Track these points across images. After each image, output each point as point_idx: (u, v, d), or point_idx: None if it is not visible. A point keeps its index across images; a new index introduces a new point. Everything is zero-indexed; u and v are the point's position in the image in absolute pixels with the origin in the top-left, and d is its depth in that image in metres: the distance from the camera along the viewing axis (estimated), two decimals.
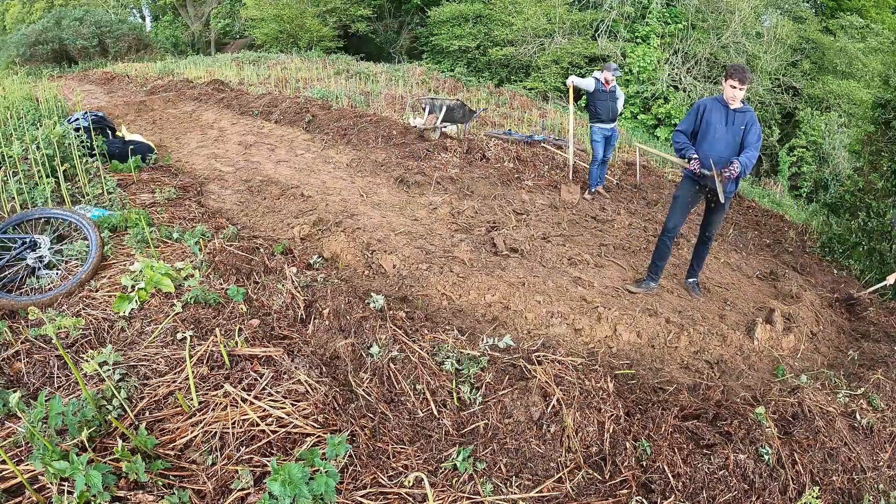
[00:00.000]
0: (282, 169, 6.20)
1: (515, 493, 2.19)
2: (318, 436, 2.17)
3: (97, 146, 5.21)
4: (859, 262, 6.52)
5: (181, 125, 8.25)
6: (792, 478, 2.55)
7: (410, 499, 2.03)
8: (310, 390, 2.39)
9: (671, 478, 2.32)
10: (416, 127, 8.06)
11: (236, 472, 1.94)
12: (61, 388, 2.30)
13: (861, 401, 3.23)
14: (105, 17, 21.71)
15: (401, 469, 2.16)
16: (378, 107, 10.26)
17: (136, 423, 2.12)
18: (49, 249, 3.19)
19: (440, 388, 2.60)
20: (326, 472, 1.80)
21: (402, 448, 2.28)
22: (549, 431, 2.43)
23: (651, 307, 4.07)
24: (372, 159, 6.96)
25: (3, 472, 1.84)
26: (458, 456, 2.26)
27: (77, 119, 5.85)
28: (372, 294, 3.28)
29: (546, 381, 2.57)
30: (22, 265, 3.12)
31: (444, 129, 8.11)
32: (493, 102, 14.09)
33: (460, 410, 2.54)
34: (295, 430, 2.18)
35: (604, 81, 6.67)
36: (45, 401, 2.04)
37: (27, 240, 3.16)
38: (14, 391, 2.16)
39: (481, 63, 18.43)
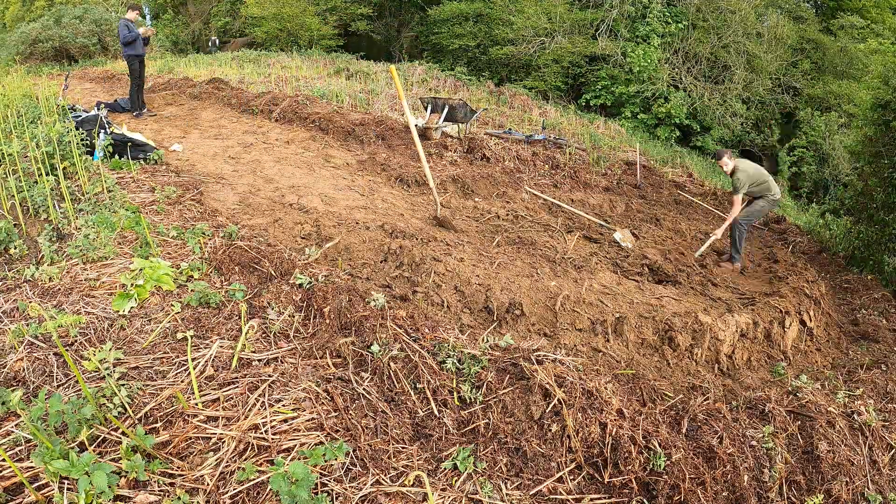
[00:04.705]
0: (282, 167, 6.19)
1: (515, 493, 2.19)
2: (320, 437, 2.16)
3: (102, 145, 5.20)
4: (857, 266, 6.52)
5: (181, 123, 8.23)
6: (792, 479, 2.55)
7: (411, 498, 2.03)
8: (311, 391, 2.38)
9: (671, 478, 2.31)
10: (417, 126, 8.06)
11: (239, 471, 1.93)
12: (61, 387, 2.30)
13: (860, 401, 3.22)
14: (105, 15, 21.65)
15: (401, 469, 2.16)
16: (379, 106, 10.25)
17: (136, 421, 2.12)
18: None
19: (441, 387, 2.59)
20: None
21: (402, 447, 2.27)
22: (549, 431, 2.42)
23: (652, 308, 4.07)
24: (372, 158, 6.95)
25: (4, 472, 1.84)
26: (458, 455, 2.26)
27: (74, 108, 5.90)
28: (372, 292, 3.27)
29: (547, 381, 2.57)
30: None
31: (444, 129, 8.10)
32: (493, 102, 14.08)
33: (461, 409, 2.54)
34: (297, 431, 2.18)
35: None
36: (46, 399, 2.03)
37: None
38: (14, 390, 2.16)
39: (482, 62, 18.43)
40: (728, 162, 5.69)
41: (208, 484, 1.88)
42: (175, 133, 7.51)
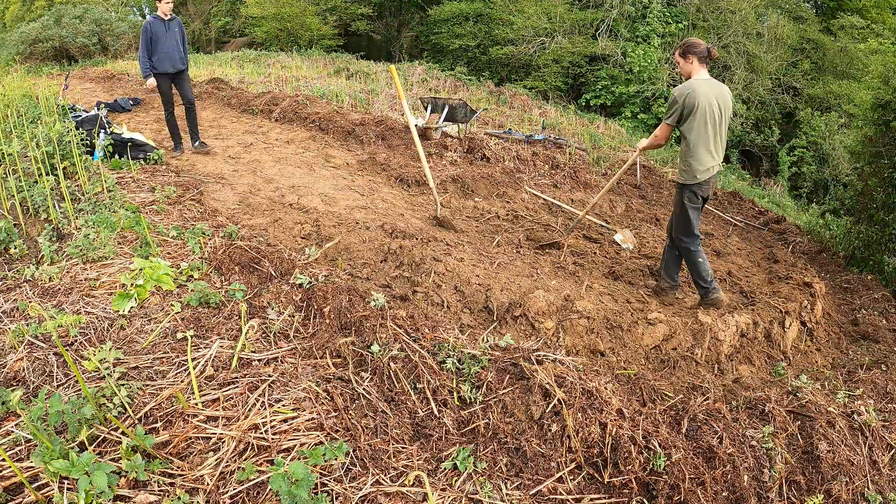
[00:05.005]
0: (282, 167, 6.19)
1: (515, 493, 2.19)
2: (320, 437, 2.16)
3: (102, 145, 5.21)
4: (857, 266, 6.51)
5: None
6: (792, 479, 2.55)
7: (411, 498, 2.03)
8: (311, 391, 2.38)
9: (671, 478, 2.31)
10: (417, 126, 8.06)
11: (239, 471, 1.93)
12: (61, 387, 2.30)
13: (860, 401, 3.22)
14: (105, 15, 21.65)
15: (401, 469, 2.16)
16: (379, 106, 10.26)
17: (136, 421, 2.12)
18: None
19: (441, 387, 2.59)
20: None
21: (402, 447, 2.27)
22: (549, 431, 2.42)
23: (654, 309, 4.06)
24: (372, 158, 6.95)
25: (4, 472, 1.84)
26: (458, 455, 2.26)
27: (74, 107, 5.91)
28: (372, 292, 3.27)
29: (547, 381, 2.57)
30: None
31: (444, 129, 8.11)
32: (493, 102, 14.08)
33: (461, 409, 2.54)
34: (297, 431, 2.18)
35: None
36: (45, 399, 2.03)
37: None
38: (14, 390, 2.16)
39: (482, 62, 18.42)
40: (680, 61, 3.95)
41: (208, 484, 1.89)
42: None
